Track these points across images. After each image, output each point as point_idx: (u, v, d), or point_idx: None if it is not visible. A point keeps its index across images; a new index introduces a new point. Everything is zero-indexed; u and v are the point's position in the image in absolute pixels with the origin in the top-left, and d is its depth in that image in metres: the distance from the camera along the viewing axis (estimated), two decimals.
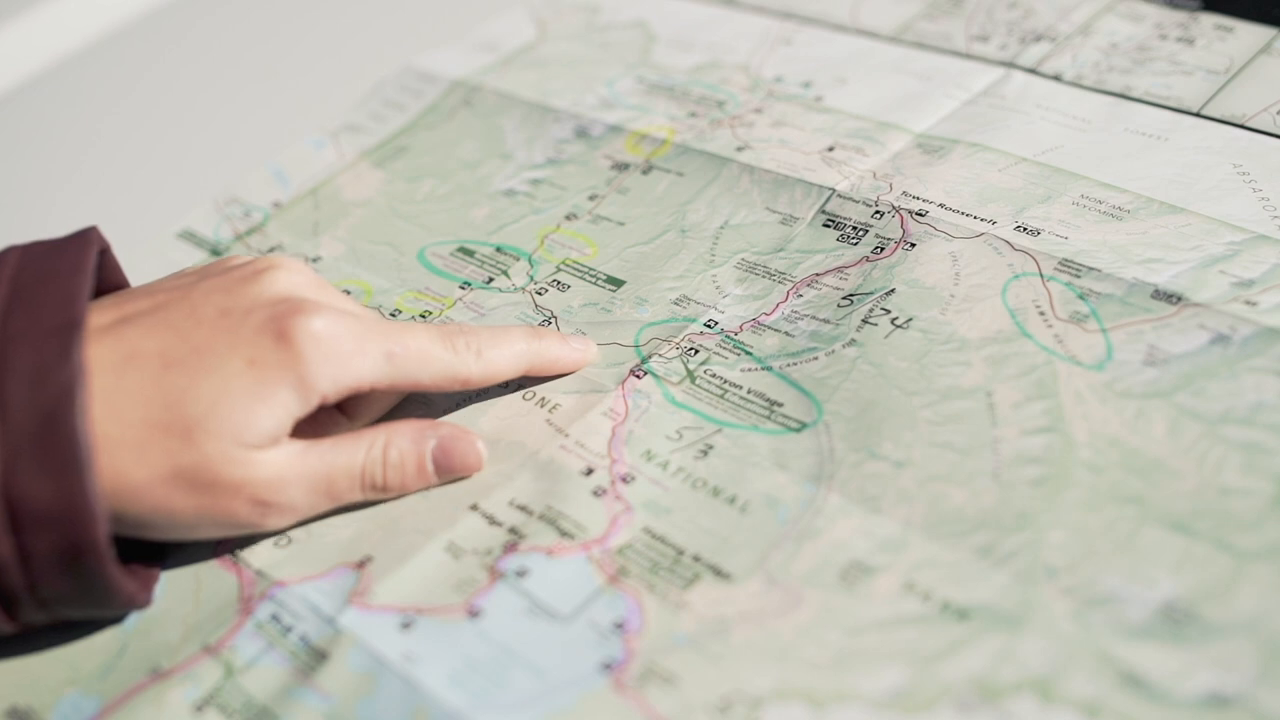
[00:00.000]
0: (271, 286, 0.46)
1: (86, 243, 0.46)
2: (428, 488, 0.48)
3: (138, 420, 0.42)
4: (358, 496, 0.47)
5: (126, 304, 0.46)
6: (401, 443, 0.47)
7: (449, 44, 0.75)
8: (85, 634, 0.46)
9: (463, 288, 0.57)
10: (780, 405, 0.48)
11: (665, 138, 0.63)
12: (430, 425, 0.48)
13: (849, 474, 0.45)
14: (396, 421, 0.48)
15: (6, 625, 0.43)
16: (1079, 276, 0.49)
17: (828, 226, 0.55)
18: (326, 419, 0.49)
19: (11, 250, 0.46)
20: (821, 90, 0.64)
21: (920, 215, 0.54)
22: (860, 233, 0.54)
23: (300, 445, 0.46)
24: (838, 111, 0.62)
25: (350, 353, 0.45)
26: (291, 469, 0.45)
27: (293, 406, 0.44)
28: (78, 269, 0.45)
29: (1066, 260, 0.50)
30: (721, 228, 0.57)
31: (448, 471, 0.48)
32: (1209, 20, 0.65)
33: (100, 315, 0.45)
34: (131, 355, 0.43)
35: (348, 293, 0.57)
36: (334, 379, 0.45)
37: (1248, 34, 0.63)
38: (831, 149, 0.59)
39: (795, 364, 0.49)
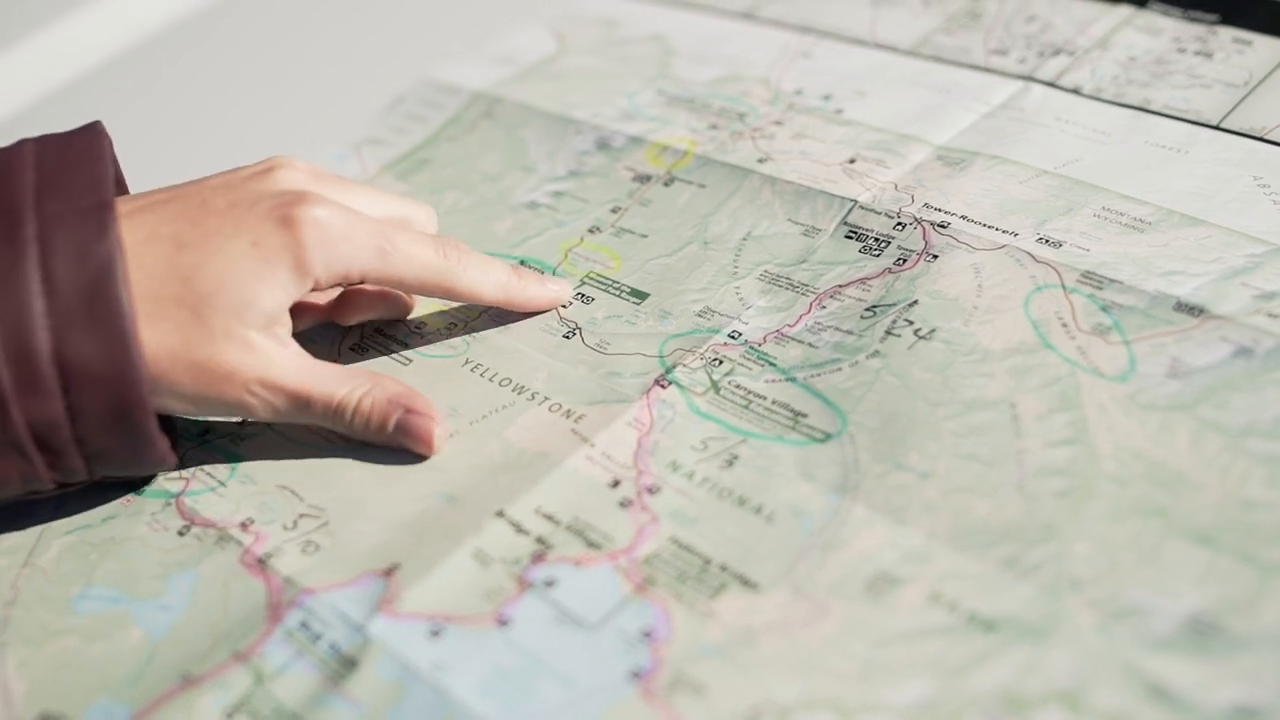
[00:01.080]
0: (277, 182, 0.50)
1: (99, 133, 0.50)
2: (388, 445, 0.51)
3: (153, 294, 0.47)
4: (325, 422, 0.51)
5: (143, 197, 0.50)
6: (379, 395, 0.50)
7: (468, 56, 0.76)
8: (114, 640, 0.46)
9: None
10: (805, 416, 0.48)
11: (686, 149, 0.63)
12: (410, 396, 0.51)
13: (874, 485, 0.45)
14: (387, 376, 0.52)
15: (48, 481, 0.47)
16: (1101, 289, 0.50)
17: (850, 238, 0.55)
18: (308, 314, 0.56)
19: (25, 142, 0.49)
20: (841, 103, 0.65)
21: (942, 227, 0.54)
22: (882, 244, 0.55)
23: (300, 356, 0.50)
24: (858, 124, 0.63)
25: (344, 240, 0.49)
26: (284, 368, 0.49)
27: (290, 286, 0.49)
28: (98, 156, 0.48)
29: (1089, 272, 0.50)
30: (744, 239, 0.57)
31: (402, 441, 0.51)
32: (1227, 33, 0.65)
33: (121, 205, 0.48)
34: (150, 238, 0.48)
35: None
36: (327, 264, 0.49)
37: (1266, 47, 0.63)
38: (853, 161, 0.60)
39: (819, 375, 0.50)
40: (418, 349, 0.56)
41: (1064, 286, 0.50)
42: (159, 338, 0.47)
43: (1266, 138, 0.57)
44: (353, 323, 0.57)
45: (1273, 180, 0.55)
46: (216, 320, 0.47)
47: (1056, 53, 0.66)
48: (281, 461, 0.52)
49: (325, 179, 0.52)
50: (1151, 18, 0.68)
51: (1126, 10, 0.69)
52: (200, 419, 0.53)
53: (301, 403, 0.50)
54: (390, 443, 0.51)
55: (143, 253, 0.47)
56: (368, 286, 0.55)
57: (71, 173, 0.47)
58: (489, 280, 0.54)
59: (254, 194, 0.50)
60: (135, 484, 0.52)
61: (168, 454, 0.49)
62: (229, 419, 0.53)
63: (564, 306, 0.56)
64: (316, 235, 0.48)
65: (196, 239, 0.48)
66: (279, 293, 0.48)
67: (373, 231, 0.50)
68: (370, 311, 0.56)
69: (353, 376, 0.51)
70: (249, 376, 0.48)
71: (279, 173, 0.51)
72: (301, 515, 0.49)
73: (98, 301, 0.45)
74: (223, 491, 0.51)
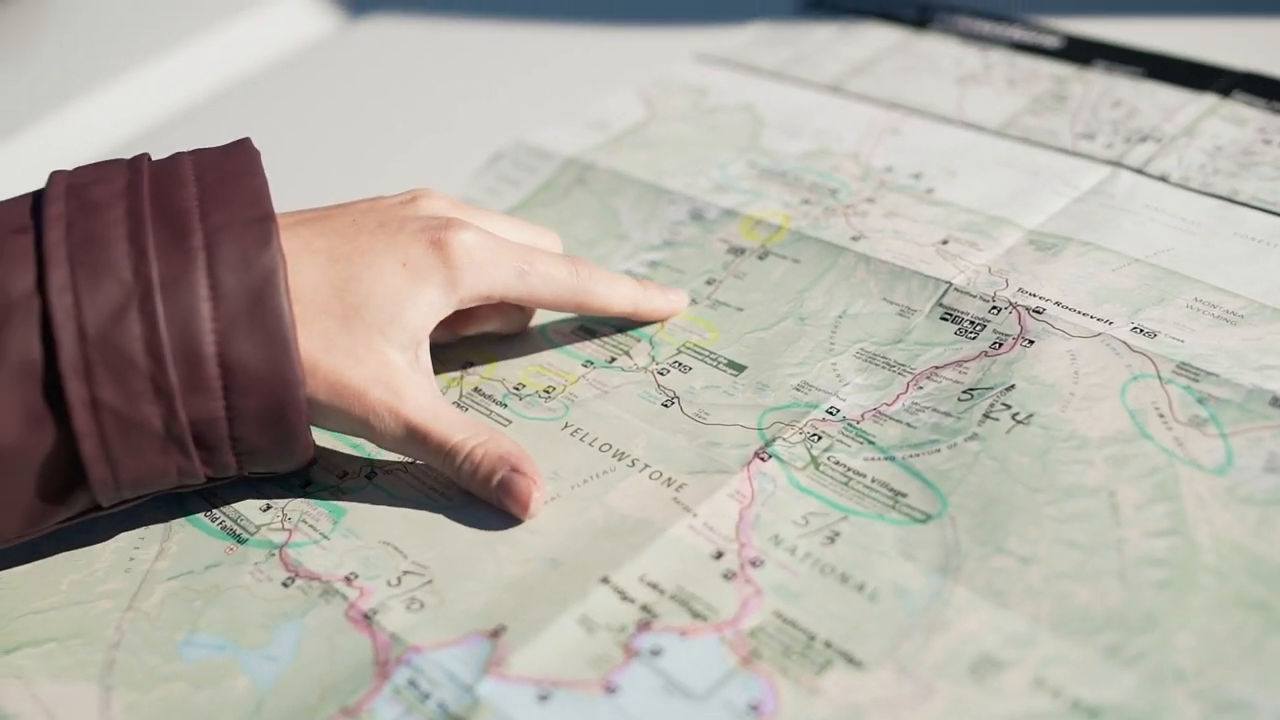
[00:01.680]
0: (421, 209, 0.55)
1: (252, 149, 0.53)
2: (487, 499, 0.52)
3: (307, 301, 0.50)
4: (434, 461, 0.52)
5: (295, 214, 0.54)
6: (491, 451, 0.52)
7: (561, 120, 0.77)
8: (221, 688, 0.47)
9: (585, 365, 0.58)
10: (904, 496, 0.49)
11: (780, 224, 0.65)
12: (520, 457, 0.52)
13: (975, 567, 0.46)
14: (505, 435, 0.53)
15: (201, 476, 0.51)
16: (1197, 380, 0.51)
17: (945, 320, 0.57)
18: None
19: (181, 155, 0.52)
20: (932, 182, 0.66)
21: (1038, 313, 0.56)
22: (978, 327, 0.56)
23: (431, 394, 0.53)
24: (949, 204, 0.64)
25: (489, 263, 0.53)
26: (413, 398, 0.51)
27: (437, 305, 0.52)
28: (255, 170, 0.52)
29: (1184, 364, 0.52)
30: (840, 317, 0.58)
31: (501, 499, 0.52)
32: None
33: (279, 218, 0.51)
34: (306, 248, 0.51)
35: (471, 363, 0.60)
36: (472, 285, 0.53)
37: None
38: (945, 242, 0.61)
39: (918, 455, 0.51)
40: (516, 410, 0.57)
41: (1160, 377, 0.51)
42: (304, 343, 0.50)
43: None
44: (470, 333, 0.60)
45: None
46: (362, 332, 0.51)
47: (1144, 139, 0.67)
48: (384, 517, 0.53)
49: (463, 207, 0.56)
50: (1236, 107, 0.69)
51: (1211, 99, 0.70)
52: (321, 428, 0.54)
53: (419, 437, 0.52)
54: (490, 498, 0.52)
55: (300, 262, 0.51)
56: None
57: (231, 186, 0.50)
58: (617, 294, 0.58)
59: (401, 218, 0.54)
60: (237, 535, 0.53)
61: (311, 451, 0.52)
62: (346, 436, 0.56)
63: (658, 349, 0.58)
64: (464, 258, 0.52)
65: (350, 254, 0.52)
66: (425, 310, 0.52)
67: (513, 254, 0.54)
68: (488, 323, 0.60)
69: (472, 425, 0.53)
70: (379, 398, 0.51)
71: (422, 201, 0.55)
72: (405, 572, 0.50)
73: (260, 308, 0.48)
74: (326, 545, 0.52)
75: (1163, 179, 0.64)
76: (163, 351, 0.47)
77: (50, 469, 0.48)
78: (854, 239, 0.62)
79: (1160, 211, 0.61)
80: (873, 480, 0.50)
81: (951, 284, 0.58)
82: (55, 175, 0.51)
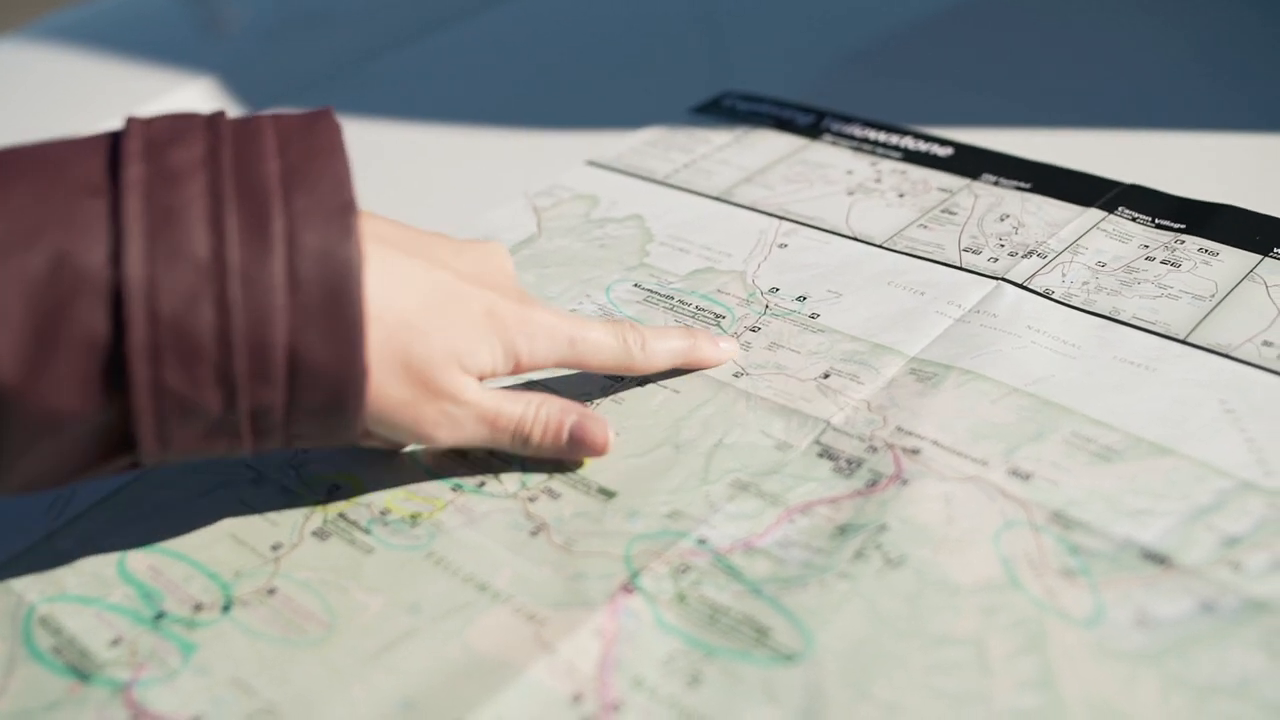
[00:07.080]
0: (506, 264, 0.57)
1: (334, 123, 0.51)
2: (559, 456, 0.57)
3: (414, 305, 0.51)
4: (505, 443, 0.56)
5: (384, 220, 0.54)
6: (552, 408, 0.56)
7: (451, 234, 0.76)
8: None
9: (454, 490, 0.57)
10: (770, 632, 0.48)
11: None
12: (575, 406, 0.57)
13: (840, 714, 0.45)
14: (548, 395, 0.57)
15: (249, 452, 0.51)
16: (1070, 530, 0.50)
17: (822, 457, 0.56)
18: None
19: (262, 121, 0.51)
20: (816, 305, 0.65)
21: (914, 453, 0.55)
22: (854, 466, 0.55)
23: (486, 387, 0.55)
24: (833, 331, 0.63)
25: (548, 336, 0.56)
26: (477, 398, 0.54)
27: (499, 362, 0.54)
28: (337, 147, 0.50)
29: (1057, 512, 0.51)
30: (715, 446, 0.57)
31: (578, 443, 0.56)
32: (1194, 243, 0.66)
33: (366, 216, 0.52)
34: (384, 243, 0.52)
35: (337, 486, 0.58)
36: (531, 353, 0.55)
37: (1232, 259, 0.65)
38: (827, 376, 0.60)
39: (787, 590, 0.49)
40: (380, 537, 0.55)
41: (1033, 525, 0.50)
42: (389, 347, 0.50)
43: (1232, 355, 0.58)
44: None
45: (1239, 404, 0.55)
46: (439, 349, 0.52)
47: (1029, 254, 0.67)
48: (237, 652, 0.50)
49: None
50: (1120, 223, 0.69)
51: (1096, 214, 0.70)
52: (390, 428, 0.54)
53: (490, 420, 0.55)
54: (562, 453, 0.57)
55: (380, 260, 0.51)
56: None
57: (316, 165, 0.49)
58: (666, 350, 0.60)
59: (493, 267, 0.56)
60: (81, 671, 0.50)
61: (360, 436, 0.53)
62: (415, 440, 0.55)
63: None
64: (530, 333, 0.55)
65: (449, 279, 0.53)
66: (489, 360, 0.54)
67: (569, 326, 0.57)
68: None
69: (524, 394, 0.57)
70: (452, 398, 0.53)
71: (505, 253, 0.58)
72: (254, 712, 0.48)
73: (335, 304, 0.48)
74: (174, 682, 0.49)
75: (1046, 295, 0.64)
76: (232, 340, 0.47)
77: (100, 435, 0.48)
78: (736, 375, 0.61)
79: (1041, 333, 0.61)
80: (739, 615, 0.49)
81: (829, 423, 0.57)
82: (132, 124, 0.49)
